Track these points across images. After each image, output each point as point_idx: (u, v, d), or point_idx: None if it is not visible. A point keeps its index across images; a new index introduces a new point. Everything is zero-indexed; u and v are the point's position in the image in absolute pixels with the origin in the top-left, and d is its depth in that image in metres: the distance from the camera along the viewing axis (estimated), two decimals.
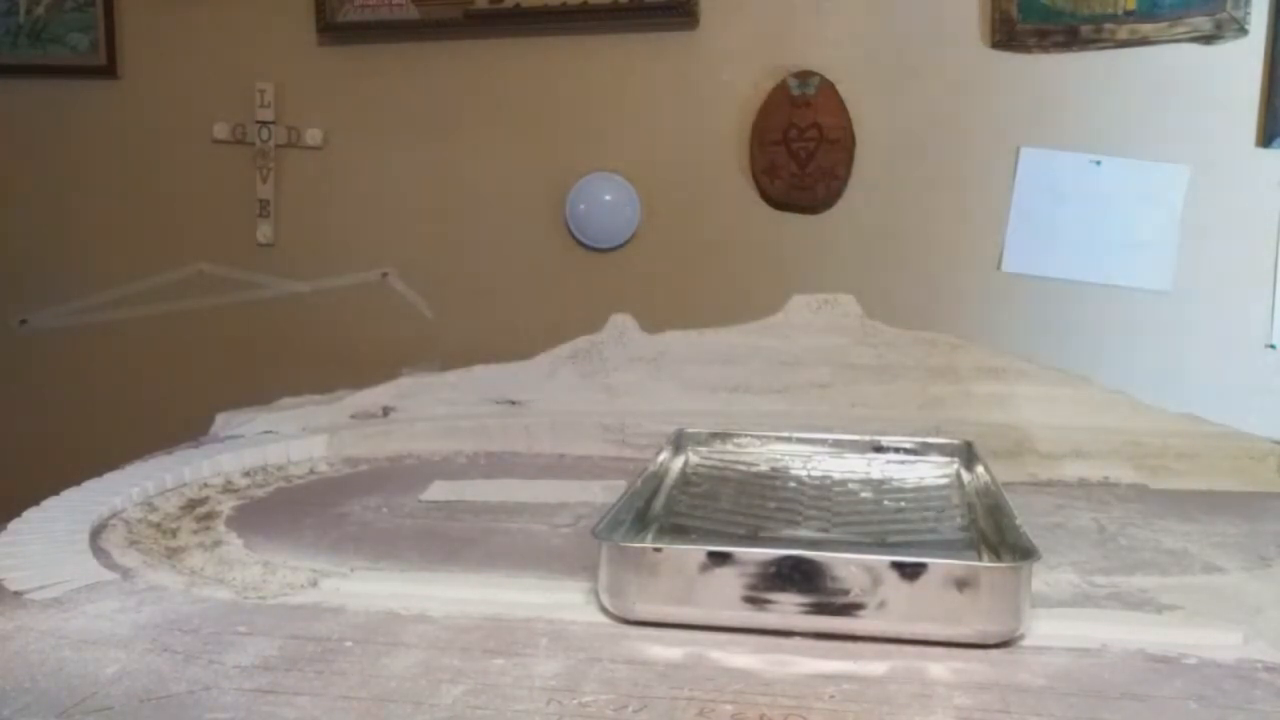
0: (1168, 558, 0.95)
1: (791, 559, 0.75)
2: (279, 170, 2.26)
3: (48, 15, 2.29)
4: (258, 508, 1.11)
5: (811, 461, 1.19)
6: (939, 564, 0.74)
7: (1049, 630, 0.76)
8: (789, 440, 1.23)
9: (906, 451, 1.20)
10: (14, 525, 0.96)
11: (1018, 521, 0.84)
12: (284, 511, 1.09)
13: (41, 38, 2.30)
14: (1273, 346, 1.94)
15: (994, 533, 0.91)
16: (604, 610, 0.78)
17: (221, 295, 2.31)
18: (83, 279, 2.35)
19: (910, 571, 0.73)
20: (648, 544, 0.86)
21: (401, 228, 2.23)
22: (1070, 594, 0.85)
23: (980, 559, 0.87)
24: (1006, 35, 1.96)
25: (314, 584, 0.85)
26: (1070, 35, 1.94)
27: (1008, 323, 1.93)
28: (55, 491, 1.06)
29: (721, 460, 1.20)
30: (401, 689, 0.65)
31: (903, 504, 1.05)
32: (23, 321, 2.38)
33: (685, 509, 1.02)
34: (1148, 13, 1.90)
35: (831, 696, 0.64)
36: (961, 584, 0.72)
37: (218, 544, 0.96)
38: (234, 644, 0.71)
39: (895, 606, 0.73)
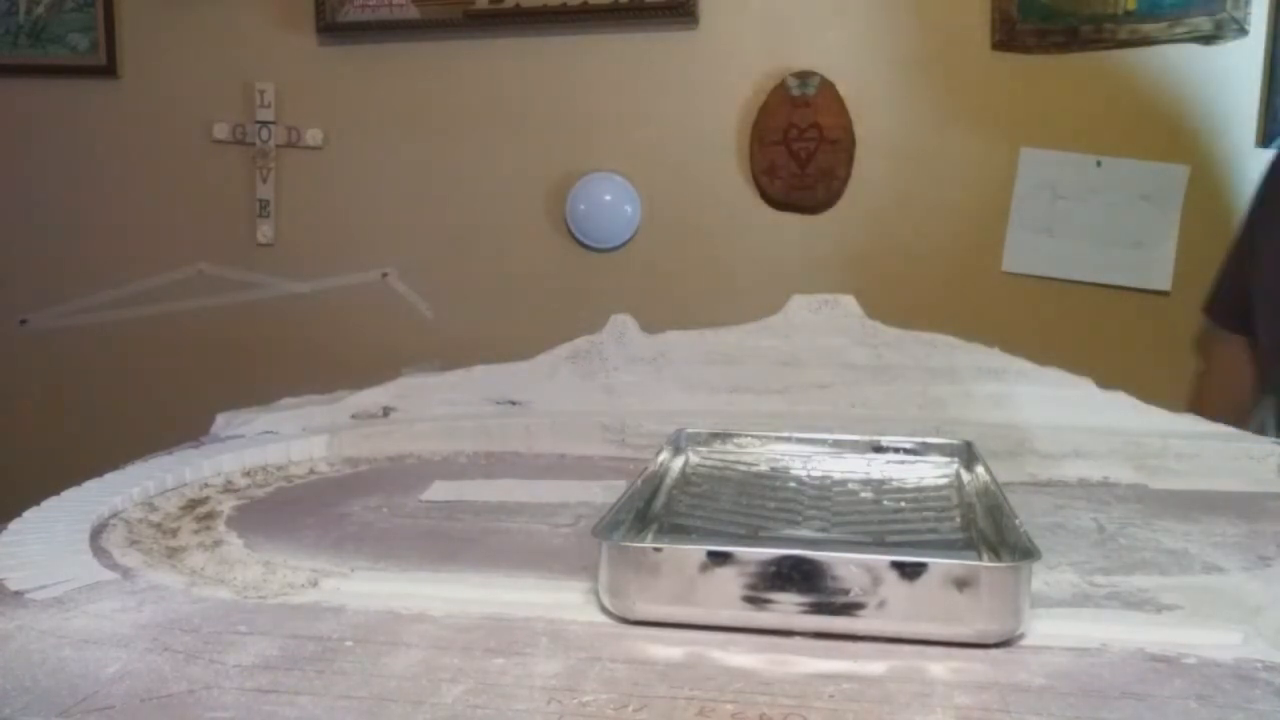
0: (1168, 558, 0.95)
1: (791, 558, 0.74)
2: (279, 170, 2.26)
3: (48, 15, 2.29)
4: (258, 508, 1.11)
5: (811, 461, 1.19)
6: (939, 563, 0.74)
7: (1049, 630, 0.75)
8: (789, 440, 1.22)
9: (906, 451, 1.20)
10: (14, 525, 0.96)
11: (1018, 521, 0.84)
12: (284, 511, 1.09)
13: (41, 38, 2.30)
14: None
15: (994, 533, 0.91)
16: (604, 610, 0.78)
17: (221, 295, 2.31)
18: (83, 279, 2.35)
19: (910, 571, 0.73)
20: (648, 544, 0.86)
21: (401, 228, 2.23)
22: (1070, 594, 0.85)
23: (980, 559, 0.87)
24: (1006, 35, 1.96)
25: (314, 584, 0.85)
26: (1070, 35, 1.94)
27: (1008, 323, 1.93)
28: (55, 491, 1.06)
29: (721, 460, 1.20)
30: (402, 688, 0.65)
31: (902, 504, 1.05)
32: (23, 321, 2.38)
33: (685, 509, 1.01)
34: (1148, 13, 1.90)
35: (831, 696, 0.64)
36: (961, 584, 0.72)
37: (218, 544, 0.96)
38: (234, 643, 0.71)
39: (895, 606, 0.73)
